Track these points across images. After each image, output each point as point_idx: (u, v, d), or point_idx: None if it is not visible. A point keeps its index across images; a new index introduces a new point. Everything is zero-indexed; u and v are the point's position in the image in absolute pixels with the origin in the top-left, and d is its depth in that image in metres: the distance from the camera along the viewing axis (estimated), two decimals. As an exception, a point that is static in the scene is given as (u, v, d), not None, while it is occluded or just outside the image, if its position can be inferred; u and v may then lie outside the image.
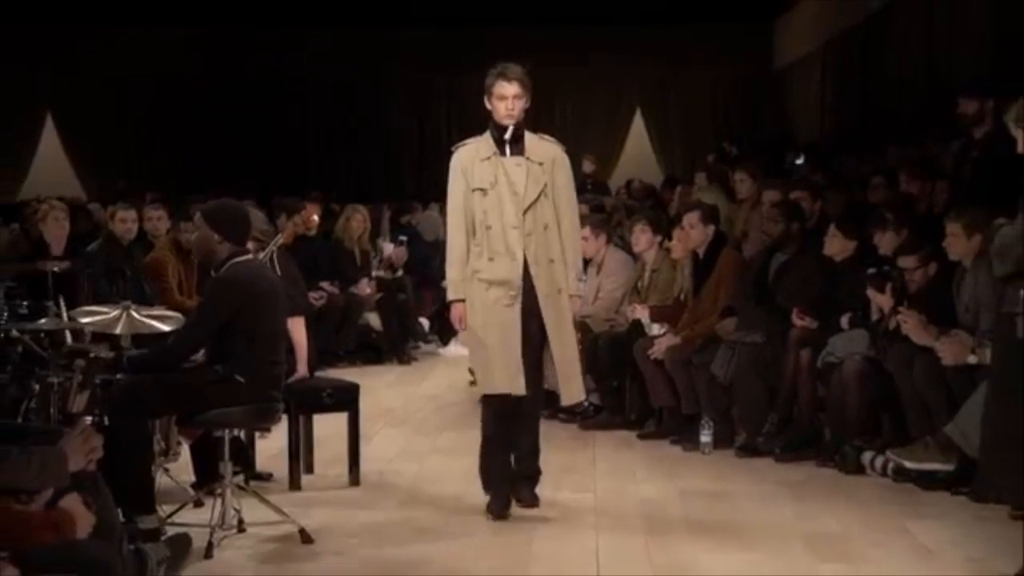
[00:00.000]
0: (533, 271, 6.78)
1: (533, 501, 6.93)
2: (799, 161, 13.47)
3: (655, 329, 9.05)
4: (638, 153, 21.73)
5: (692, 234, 9.20)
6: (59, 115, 22.12)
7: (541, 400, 7.27)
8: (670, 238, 9.54)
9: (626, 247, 10.23)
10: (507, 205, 6.76)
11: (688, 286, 9.26)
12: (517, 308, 6.76)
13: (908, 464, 7.52)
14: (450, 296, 7.03)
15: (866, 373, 7.91)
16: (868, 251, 8.36)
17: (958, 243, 7.42)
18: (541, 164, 6.85)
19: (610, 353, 9.19)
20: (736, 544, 6.44)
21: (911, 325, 7.53)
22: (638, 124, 22.17)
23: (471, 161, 6.87)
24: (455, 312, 7.00)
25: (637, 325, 9.21)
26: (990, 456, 6.24)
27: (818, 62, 18.40)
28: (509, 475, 6.98)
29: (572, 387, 7.04)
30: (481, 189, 6.80)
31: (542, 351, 6.92)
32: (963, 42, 12.07)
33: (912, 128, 12.07)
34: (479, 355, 6.94)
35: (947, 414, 7.21)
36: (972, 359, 7.17)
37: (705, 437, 8.49)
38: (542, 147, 6.95)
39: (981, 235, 7.03)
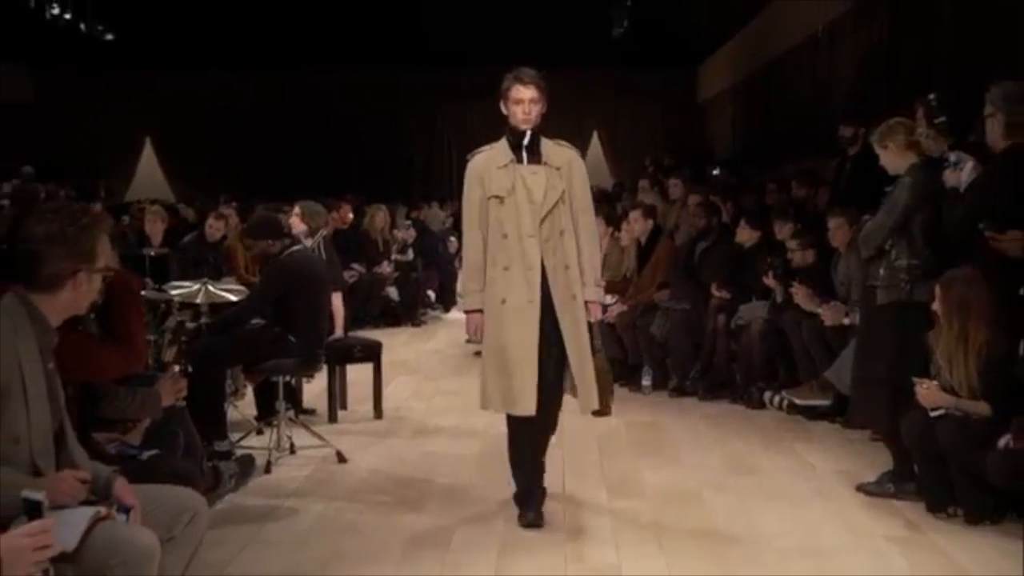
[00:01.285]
0: (550, 279, 5.14)
1: (536, 521, 5.22)
2: (715, 172, 13.50)
3: (608, 299, 9.07)
4: (595, 164, 21.75)
5: (636, 227, 9.24)
6: (155, 138, 22.56)
7: (556, 419, 5.38)
8: (619, 229, 9.57)
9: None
10: (524, 214, 5.14)
11: (633, 266, 9.28)
12: (535, 320, 5.10)
13: (797, 401, 7.59)
14: (466, 307, 5.36)
15: (767, 332, 7.97)
16: (770, 240, 8.42)
17: (839, 233, 7.46)
18: (558, 169, 5.22)
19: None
20: (668, 461, 6.49)
21: (801, 296, 7.59)
22: (595, 142, 22.27)
23: (487, 169, 5.23)
24: (472, 323, 5.30)
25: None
26: (857, 394, 6.28)
27: (730, 97, 18.42)
28: (540, 486, 5.38)
29: (589, 396, 5.20)
30: (497, 197, 5.17)
31: (562, 365, 5.17)
32: (839, 81, 12.11)
33: (801, 147, 12.11)
34: (494, 372, 5.16)
35: (827, 363, 7.26)
36: (846, 321, 7.22)
37: (646, 381, 8.54)
38: (558, 152, 5.29)
39: (854, 227, 7.07)
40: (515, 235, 5.15)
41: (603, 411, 5.34)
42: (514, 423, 5.29)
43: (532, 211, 5.15)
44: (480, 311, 5.23)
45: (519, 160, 5.22)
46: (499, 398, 5.18)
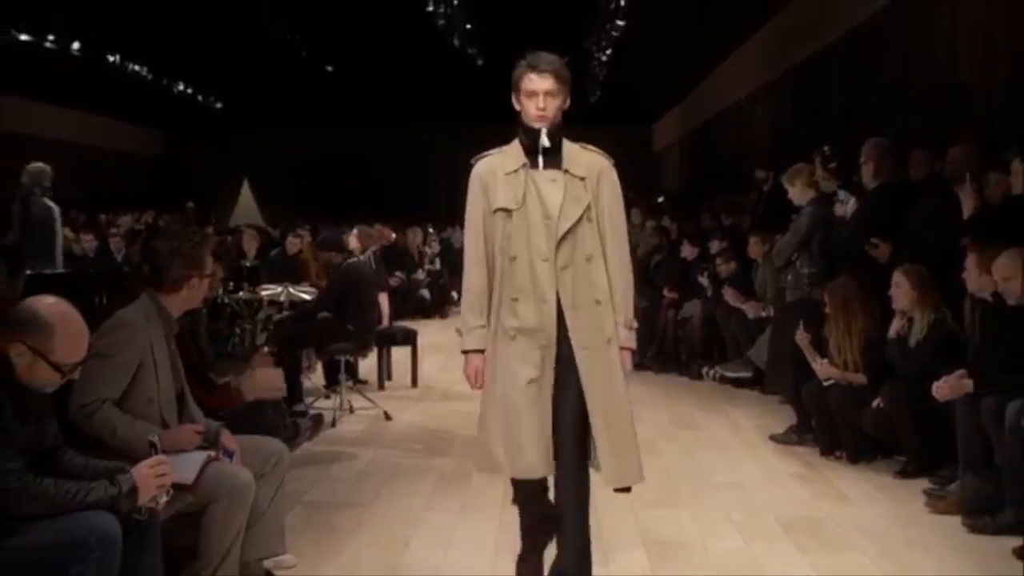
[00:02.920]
0: (569, 316, 3.08)
1: None
2: (660, 199, 13.51)
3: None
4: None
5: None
6: (251, 179, 22.86)
7: (587, 489, 3.12)
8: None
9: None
10: (536, 231, 3.07)
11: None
12: (550, 365, 3.08)
13: (727, 373, 7.59)
14: (465, 346, 3.28)
15: (705, 323, 7.98)
16: (706, 254, 8.43)
17: (757, 249, 7.47)
18: (583, 179, 3.11)
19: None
20: (630, 418, 6.48)
21: (730, 296, 7.60)
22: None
23: (492, 176, 3.13)
24: (471, 366, 3.26)
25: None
26: (771, 368, 6.31)
27: (676, 147, 18.47)
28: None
29: (625, 465, 3.09)
30: (504, 209, 3.10)
31: (585, 420, 3.08)
32: (757, 136, 12.18)
33: (729, 184, 12.12)
34: (496, 425, 3.12)
35: (749, 345, 7.28)
36: (763, 314, 7.25)
37: (612, 359, 8.52)
38: (584, 157, 3.15)
39: (769, 244, 7.09)
40: (525, 258, 3.09)
41: (625, 487, 3.17)
42: (523, 497, 3.20)
43: (547, 228, 3.08)
44: (481, 351, 3.22)
45: (533, 164, 3.13)
46: (502, 456, 3.09)
